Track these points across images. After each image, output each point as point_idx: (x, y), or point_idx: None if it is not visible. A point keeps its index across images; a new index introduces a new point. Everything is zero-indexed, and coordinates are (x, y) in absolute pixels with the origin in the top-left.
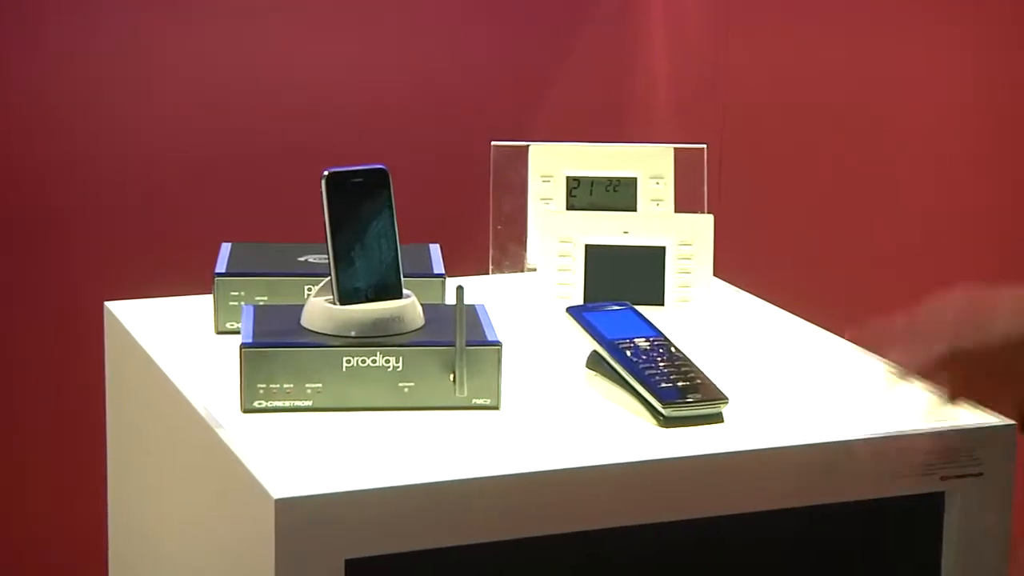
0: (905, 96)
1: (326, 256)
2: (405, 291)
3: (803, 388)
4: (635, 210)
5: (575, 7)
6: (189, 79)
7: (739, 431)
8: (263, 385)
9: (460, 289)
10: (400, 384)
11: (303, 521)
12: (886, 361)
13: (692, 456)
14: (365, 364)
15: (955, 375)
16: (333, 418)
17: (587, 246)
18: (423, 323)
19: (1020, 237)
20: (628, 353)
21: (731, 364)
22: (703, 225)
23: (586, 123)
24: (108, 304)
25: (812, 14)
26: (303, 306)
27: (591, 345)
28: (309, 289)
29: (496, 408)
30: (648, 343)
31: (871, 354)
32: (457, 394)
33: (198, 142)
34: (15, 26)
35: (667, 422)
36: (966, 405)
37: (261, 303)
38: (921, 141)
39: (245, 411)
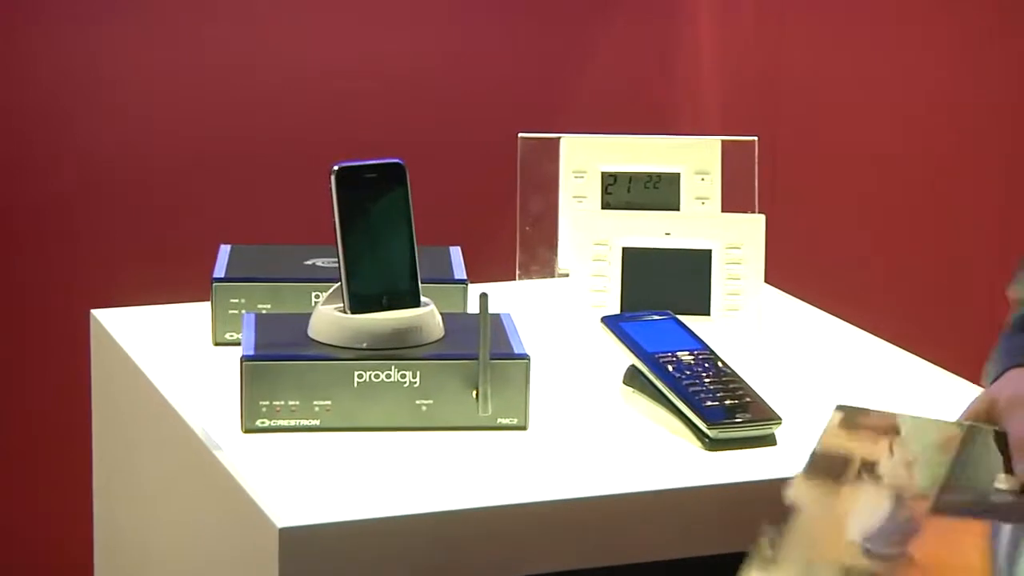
0: (981, 94)
1: (335, 260)
2: (423, 299)
3: (864, 406)
4: (678, 209)
5: None
6: (183, 67)
7: (793, 455)
8: (266, 402)
9: (484, 296)
10: (417, 401)
11: (309, 553)
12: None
13: (741, 483)
14: (379, 379)
15: None
16: (343, 439)
17: (624, 249)
18: (443, 334)
19: None
20: (670, 368)
21: (784, 381)
22: (753, 226)
23: (623, 113)
24: (95, 312)
25: None
26: (310, 315)
27: (629, 359)
28: (317, 296)
29: (523, 428)
30: (692, 357)
31: (943, 370)
32: (480, 413)
33: (194, 135)
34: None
35: (713, 445)
36: None
37: (264, 311)
38: (997, 140)
39: (246, 431)
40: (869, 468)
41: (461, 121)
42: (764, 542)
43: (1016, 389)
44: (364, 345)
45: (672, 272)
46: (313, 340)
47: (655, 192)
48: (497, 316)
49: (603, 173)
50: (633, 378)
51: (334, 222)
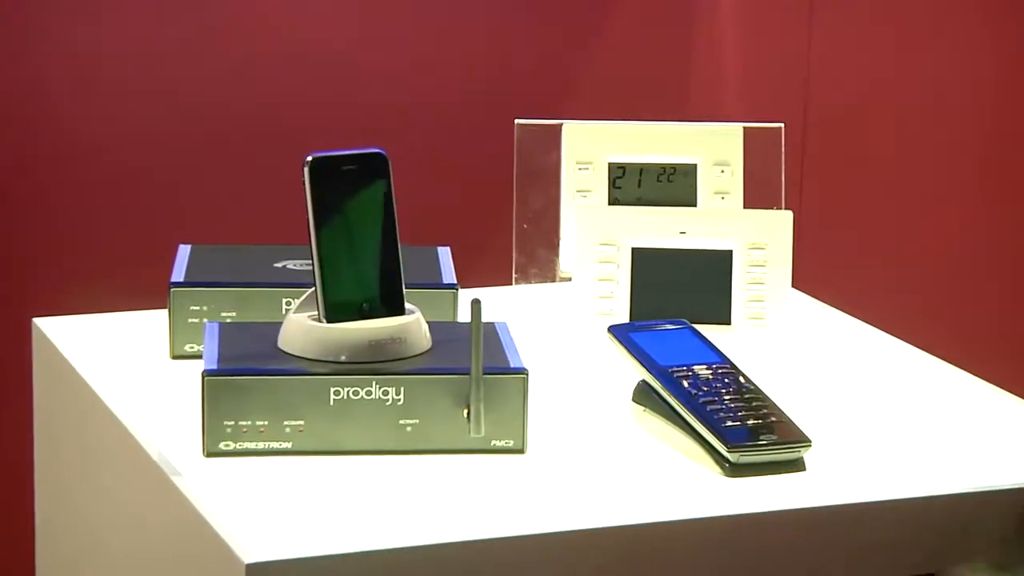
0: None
1: (309, 262)
2: (408, 306)
3: (906, 428)
4: (694, 205)
5: None
6: (136, 51)
7: (824, 481)
8: (231, 422)
9: (476, 303)
10: (401, 421)
11: None
12: None
13: (765, 513)
14: (358, 397)
15: None
16: (317, 464)
17: (634, 250)
18: (430, 346)
19: None
20: (685, 384)
21: (814, 398)
22: (780, 224)
23: (633, 97)
24: (37, 321)
25: None
26: (280, 324)
27: (639, 374)
28: (288, 303)
29: (520, 452)
30: (710, 371)
31: (994, 387)
32: (472, 434)
33: (148, 122)
34: None
35: (735, 470)
36: None
37: (228, 320)
38: None
39: (209, 455)
40: None
41: (450, 106)
42: None
43: None
44: (341, 358)
45: (688, 276)
46: (284, 352)
47: (669, 186)
48: (491, 325)
49: (610, 164)
50: (644, 395)
51: (308, 219)
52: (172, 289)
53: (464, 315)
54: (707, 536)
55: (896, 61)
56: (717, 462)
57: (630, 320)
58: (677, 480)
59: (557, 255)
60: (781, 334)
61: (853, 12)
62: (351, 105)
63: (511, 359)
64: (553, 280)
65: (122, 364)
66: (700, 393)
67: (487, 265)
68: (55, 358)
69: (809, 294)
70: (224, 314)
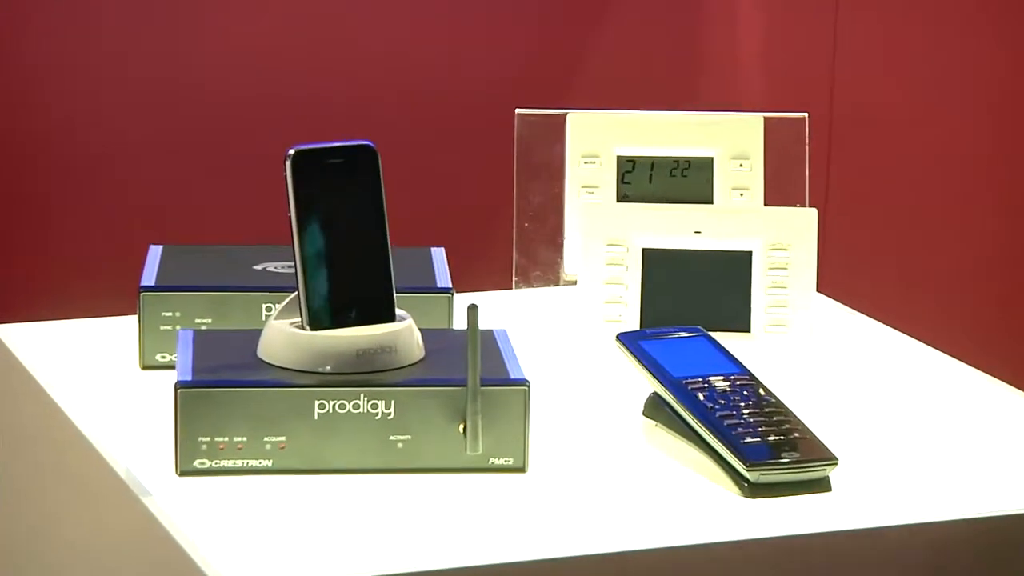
0: None
1: (291, 264)
2: (399, 312)
3: (941, 444)
4: (711, 202)
5: None
6: (103, 41)
7: (852, 503)
8: (206, 439)
9: (473, 309)
10: (392, 437)
11: None
12: None
13: (788, 537)
14: (344, 410)
15: None
16: (301, 483)
17: (645, 251)
18: (423, 355)
19: None
20: (701, 397)
21: (841, 412)
22: (804, 223)
23: (643, 84)
24: None
25: None
26: (260, 332)
27: (650, 385)
28: (269, 309)
29: (521, 471)
30: (728, 383)
31: None
32: (468, 451)
33: (113, 110)
34: None
35: (754, 491)
36: None
37: (203, 327)
38: None
39: (182, 474)
40: None
41: (444, 94)
42: None
43: None
44: (327, 369)
45: (704, 279)
46: (264, 362)
47: (683, 181)
48: (490, 333)
49: (619, 158)
50: (655, 409)
51: (290, 217)
52: (142, 293)
53: (460, 322)
54: (724, 563)
55: (931, 43)
56: (735, 482)
57: (640, 327)
58: (691, 502)
59: (561, 256)
60: (805, 342)
61: None
62: (335, 94)
63: (511, 370)
64: (556, 284)
65: (87, 375)
66: (717, 407)
67: (485, 267)
68: (15, 368)
69: (835, 299)
70: (199, 321)
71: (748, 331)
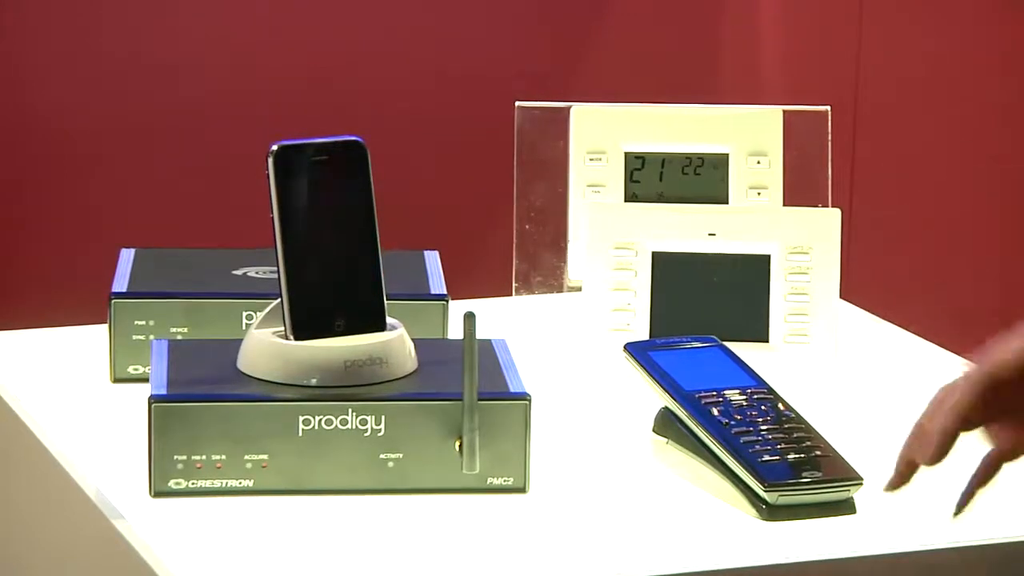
0: None
1: (274, 269)
2: (390, 320)
3: (973, 463)
4: (726, 202)
5: None
6: (68, 37)
7: (878, 525)
8: (183, 457)
9: (470, 317)
10: (382, 456)
11: None
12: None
13: (809, 562)
14: (331, 427)
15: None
16: (284, 505)
17: (655, 254)
18: (416, 367)
19: None
20: (715, 412)
21: (866, 428)
22: (826, 225)
23: (653, 76)
24: None
25: None
26: (240, 342)
27: (661, 399)
28: (249, 317)
29: (522, 491)
30: (745, 397)
31: None
32: (465, 470)
33: (89, 110)
34: None
35: (773, 513)
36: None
37: (179, 337)
38: None
39: (156, 494)
40: None
41: (438, 86)
42: None
43: None
44: (312, 382)
45: (718, 285)
46: (244, 375)
47: (695, 179)
48: (488, 343)
49: (627, 154)
50: (666, 425)
51: (272, 218)
52: (113, 300)
53: (456, 331)
54: None
55: (960, 34)
56: (752, 504)
57: (650, 337)
58: (704, 525)
59: (564, 261)
60: (827, 353)
61: None
62: (322, 88)
63: (511, 383)
64: (560, 290)
65: (55, 389)
66: (732, 423)
67: (483, 272)
68: None
69: (860, 306)
70: (174, 330)
71: (766, 341)
